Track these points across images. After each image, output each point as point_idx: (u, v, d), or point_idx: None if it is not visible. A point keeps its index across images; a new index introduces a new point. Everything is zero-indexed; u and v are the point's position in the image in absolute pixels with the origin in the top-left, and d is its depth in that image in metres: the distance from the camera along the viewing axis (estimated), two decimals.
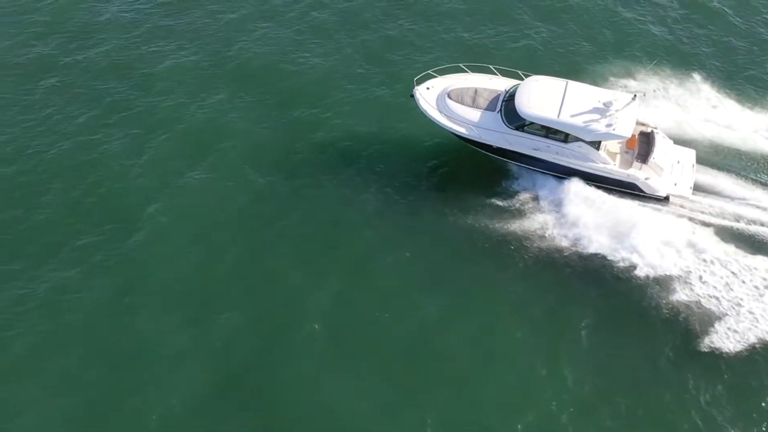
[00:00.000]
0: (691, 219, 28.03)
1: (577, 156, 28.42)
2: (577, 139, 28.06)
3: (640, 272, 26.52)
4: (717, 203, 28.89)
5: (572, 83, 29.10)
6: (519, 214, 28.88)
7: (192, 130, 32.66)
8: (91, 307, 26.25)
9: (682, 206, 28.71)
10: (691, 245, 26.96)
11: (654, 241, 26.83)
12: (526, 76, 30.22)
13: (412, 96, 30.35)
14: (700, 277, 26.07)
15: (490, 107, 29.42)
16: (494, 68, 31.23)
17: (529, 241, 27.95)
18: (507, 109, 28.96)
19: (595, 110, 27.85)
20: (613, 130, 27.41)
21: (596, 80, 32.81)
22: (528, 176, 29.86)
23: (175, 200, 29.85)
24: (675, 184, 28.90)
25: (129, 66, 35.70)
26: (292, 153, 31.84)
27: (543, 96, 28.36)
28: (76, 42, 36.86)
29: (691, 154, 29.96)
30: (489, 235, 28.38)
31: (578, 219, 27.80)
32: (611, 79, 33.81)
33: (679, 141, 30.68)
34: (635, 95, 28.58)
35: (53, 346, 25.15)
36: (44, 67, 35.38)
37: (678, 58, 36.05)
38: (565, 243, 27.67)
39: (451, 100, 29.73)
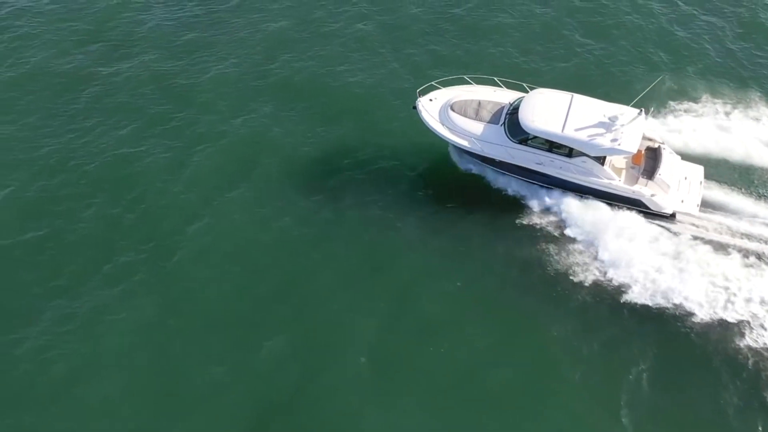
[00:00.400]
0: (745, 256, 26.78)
1: (582, 171, 27.77)
2: (582, 154, 27.41)
3: (700, 314, 25.33)
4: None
5: (578, 97, 28.37)
6: (569, 246, 27.84)
7: (234, 146, 32.14)
8: (132, 330, 25.73)
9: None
10: (750, 297, 25.51)
11: (710, 288, 25.70)
12: (531, 88, 29.63)
13: (415, 107, 29.84)
14: (762, 325, 24.84)
15: (494, 120, 28.87)
16: (499, 80, 30.64)
17: (580, 275, 26.92)
18: (511, 122, 28.42)
19: (601, 125, 27.17)
20: (619, 145, 26.71)
21: (653, 105, 31.66)
22: (577, 207, 28.66)
23: (217, 219, 29.29)
24: (682, 201, 28.07)
25: (171, 77, 35.32)
26: (337, 171, 31.14)
27: (547, 109, 27.69)
28: (119, 51, 36.60)
29: (699, 170, 29.17)
30: (540, 265, 27.43)
31: (624, 258, 26.62)
32: (671, 103, 32.65)
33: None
34: (641, 110, 27.81)
35: (93, 370, 24.65)
36: (86, 77, 35.12)
37: (737, 79, 34.72)
38: (615, 281, 26.49)
39: (454, 112, 29.16)
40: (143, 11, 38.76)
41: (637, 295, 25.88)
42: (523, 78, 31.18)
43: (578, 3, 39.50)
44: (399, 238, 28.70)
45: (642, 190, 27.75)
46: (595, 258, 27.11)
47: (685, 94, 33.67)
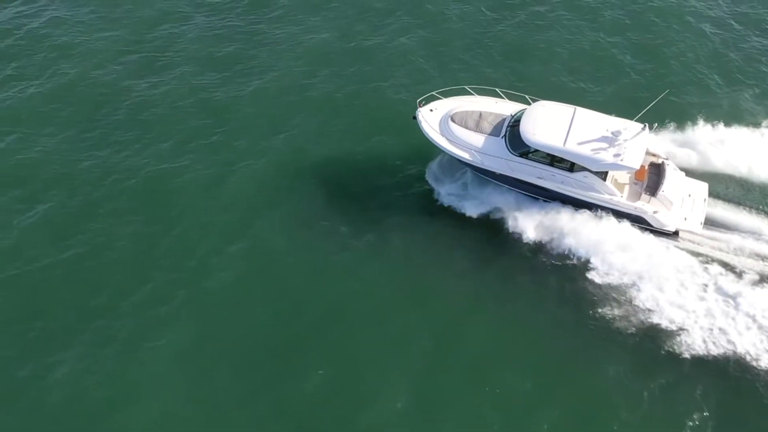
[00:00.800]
0: None
1: (583, 186, 27.25)
2: (583, 169, 26.86)
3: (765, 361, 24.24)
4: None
5: (580, 110, 27.78)
6: (622, 285, 26.63)
7: (275, 164, 31.48)
8: (171, 355, 25.14)
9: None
10: None
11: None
12: (534, 100, 28.97)
13: (415, 118, 29.24)
14: None
15: (495, 132, 28.35)
16: (501, 91, 29.98)
17: (633, 316, 25.82)
18: (512, 134, 27.94)
19: (603, 139, 26.65)
20: (621, 160, 26.14)
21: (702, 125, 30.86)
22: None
23: (258, 241, 28.62)
24: (685, 219, 27.41)
25: (211, 91, 34.75)
26: (380, 192, 30.36)
27: (549, 122, 27.16)
28: (158, 63, 36.07)
29: (703, 187, 28.57)
30: (591, 303, 26.33)
31: (678, 302, 25.63)
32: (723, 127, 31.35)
33: None
34: (645, 125, 27.15)
35: (132, 397, 24.05)
36: (126, 89, 34.65)
37: None
38: (671, 323, 25.31)
39: (454, 123, 28.65)
40: (184, 22, 38.24)
41: (694, 339, 24.78)
42: (574, 100, 30.13)
43: (628, 21, 38.43)
44: (444, 268, 27.82)
45: (644, 206, 27.24)
46: (648, 299, 25.92)
47: (740, 117, 32.50)
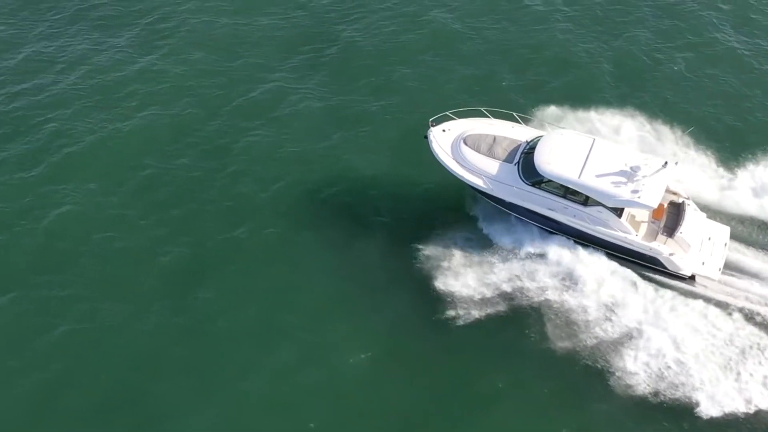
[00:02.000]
0: None
1: (596, 221, 26.23)
2: (598, 204, 25.84)
3: None
4: None
5: (600, 141, 26.93)
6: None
7: (317, 181, 31.12)
8: None
9: None
10: None
11: None
12: (552, 128, 28.26)
13: (426, 137, 28.24)
14: None
15: (508, 159, 27.40)
16: (518, 116, 29.11)
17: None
18: (525, 162, 26.92)
19: (621, 173, 25.70)
20: (638, 198, 25.15)
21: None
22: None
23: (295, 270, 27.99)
24: (702, 263, 26.31)
25: (263, 106, 34.44)
26: (426, 222, 28.93)
27: (565, 152, 26.26)
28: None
29: (725, 231, 27.35)
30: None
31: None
32: None
33: None
34: (666, 162, 25.97)
35: None
36: (179, 94, 34.70)
37: None
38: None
39: (467, 146, 27.77)
40: (238, 49, 38.32)
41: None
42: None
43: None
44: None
45: (660, 247, 26.09)
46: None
47: None
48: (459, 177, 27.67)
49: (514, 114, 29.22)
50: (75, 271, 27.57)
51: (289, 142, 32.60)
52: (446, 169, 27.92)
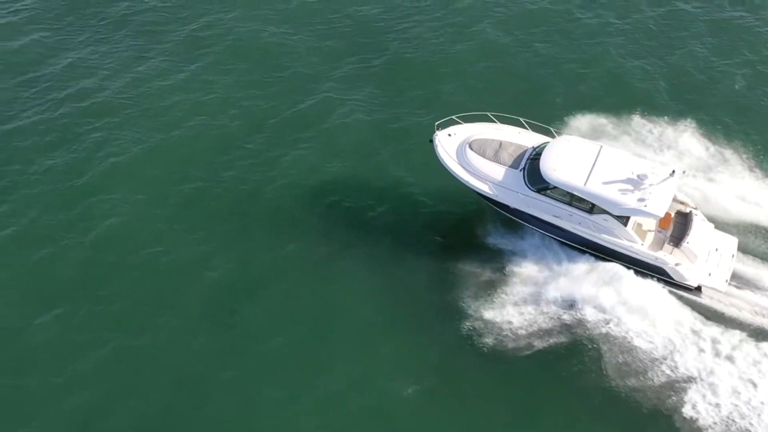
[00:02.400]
0: None
1: (601, 229, 25.65)
2: (604, 212, 25.26)
3: None
4: None
5: (607, 148, 26.21)
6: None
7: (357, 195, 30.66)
8: None
9: None
10: None
11: None
12: (558, 134, 27.55)
13: (431, 141, 27.82)
14: None
15: (514, 164, 26.88)
16: (525, 121, 28.32)
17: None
18: (531, 168, 26.52)
19: (628, 181, 25.14)
20: (645, 206, 24.56)
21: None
22: None
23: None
24: (709, 274, 25.63)
25: (312, 118, 33.93)
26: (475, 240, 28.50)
27: (572, 159, 25.73)
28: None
29: (732, 241, 26.52)
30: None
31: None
32: None
33: None
34: (674, 171, 25.45)
35: None
36: (226, 105, 34.31)
37: None
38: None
39: (472, 151, 27.26)
40: (276, 72, 37.88)
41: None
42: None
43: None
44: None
45: (666, 257, 25.50)
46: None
47: None
48: (463, 182, 27.25)
49: (521, 119, 28.64)
50: (122, 286, 27.20)
51: (338, 155, 32.12)
52: (450, 174, 27.45)
